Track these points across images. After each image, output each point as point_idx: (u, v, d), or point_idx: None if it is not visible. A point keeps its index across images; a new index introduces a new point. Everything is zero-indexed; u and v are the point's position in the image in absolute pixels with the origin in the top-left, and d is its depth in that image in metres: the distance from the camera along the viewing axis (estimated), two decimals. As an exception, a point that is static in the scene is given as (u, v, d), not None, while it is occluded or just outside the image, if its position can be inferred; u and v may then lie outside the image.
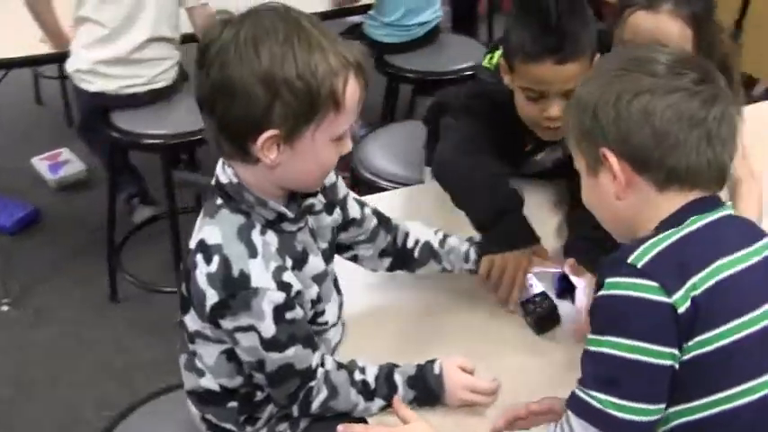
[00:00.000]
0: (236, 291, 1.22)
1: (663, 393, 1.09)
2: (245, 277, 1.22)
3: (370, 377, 1.39)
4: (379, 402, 1.39)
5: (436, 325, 1.60)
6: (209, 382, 1.37)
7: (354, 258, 1.58)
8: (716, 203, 1.17)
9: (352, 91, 1.22)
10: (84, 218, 3.43)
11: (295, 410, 1.36)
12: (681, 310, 1.06)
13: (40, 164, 3.67)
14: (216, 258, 1.22)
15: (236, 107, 1.18)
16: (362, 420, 1.39)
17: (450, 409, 1.41)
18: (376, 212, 1.57)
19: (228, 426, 1.40)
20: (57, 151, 3.72)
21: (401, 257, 1.61)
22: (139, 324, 2.95)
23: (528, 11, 1.61)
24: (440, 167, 1.80)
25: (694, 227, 1.13)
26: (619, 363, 1.08)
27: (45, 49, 2.81)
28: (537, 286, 1.62)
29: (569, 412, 1.13)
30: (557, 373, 1.47)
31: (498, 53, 1.74)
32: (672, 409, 1.10)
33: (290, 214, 1.30)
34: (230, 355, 1.33)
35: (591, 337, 1.13)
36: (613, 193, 1.17)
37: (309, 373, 1.33)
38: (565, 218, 1.85)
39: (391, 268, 1.62)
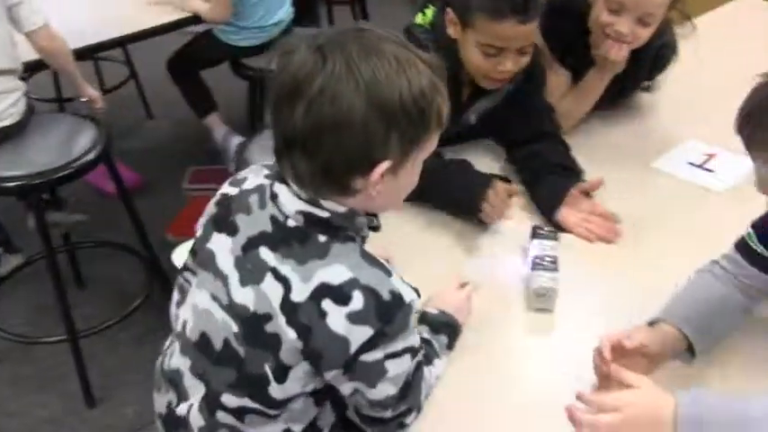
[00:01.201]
0: (393, 314, 1.13)
1: None
2: (397, 296, 1.14)
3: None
4: (441, 361, 1.40)
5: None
6: None
7: None
8: None
9: (447, 104, 1.16)
10: None
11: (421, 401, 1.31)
12: None
13: None
14: (356, 293, 1.12)
15: (352, 141, 1.08)
16: None
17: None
18: None
19: None
20: None
21: None
22: (24, 382, 2.71)
23: None
24: None
25: None
26: None
27: None
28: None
29: None
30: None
31: (430, 10, 1.84)
32: None
33: (378, 223, 1.26)
34: (318, 397, 1.26)
35: None
36: None
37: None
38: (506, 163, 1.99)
39: None
